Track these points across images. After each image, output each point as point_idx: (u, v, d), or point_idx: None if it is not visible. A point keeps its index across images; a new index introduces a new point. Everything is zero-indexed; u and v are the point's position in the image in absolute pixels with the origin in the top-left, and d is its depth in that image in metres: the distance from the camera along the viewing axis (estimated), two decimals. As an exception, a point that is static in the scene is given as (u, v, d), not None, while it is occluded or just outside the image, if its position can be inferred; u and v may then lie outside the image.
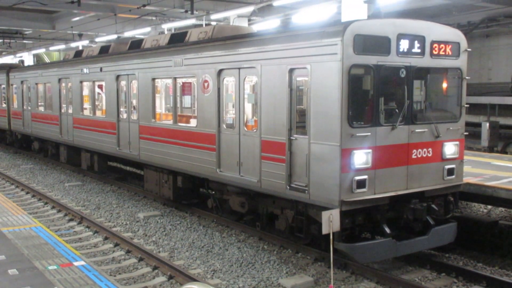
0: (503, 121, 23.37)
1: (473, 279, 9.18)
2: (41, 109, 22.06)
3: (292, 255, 10.50)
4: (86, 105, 18.07)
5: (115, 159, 18.76)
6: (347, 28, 8.40)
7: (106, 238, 11.72)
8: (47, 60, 51.32)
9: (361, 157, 8.66)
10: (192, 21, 25.65)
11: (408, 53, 9.16)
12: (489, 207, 13.16)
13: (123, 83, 15.34)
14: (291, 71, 9.44)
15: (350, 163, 8.56)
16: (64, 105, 19.58)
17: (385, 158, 8.98)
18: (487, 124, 22.03)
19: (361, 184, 8.67)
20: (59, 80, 19.68)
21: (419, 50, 9.30)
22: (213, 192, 12.37)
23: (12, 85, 25.83)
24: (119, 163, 21.10)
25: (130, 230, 12.49)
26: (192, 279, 8.81)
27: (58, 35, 36.32)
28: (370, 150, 8.77)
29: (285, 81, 9.52)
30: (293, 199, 9.66)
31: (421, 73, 9.56)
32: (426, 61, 9.45)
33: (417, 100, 9.63)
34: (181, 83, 13.28)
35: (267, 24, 25.58)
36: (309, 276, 9.36)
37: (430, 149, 9.60)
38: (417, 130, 9.39)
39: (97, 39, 34.88)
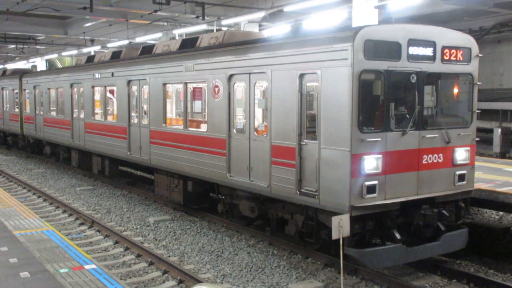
0: (515, 127, 23.19)
1: (485, 285, 9.11)
2: (53, 113, 22.23)
3: (302, 260, 10.49)
4: (98, 110, 18.20)
5: (126, 163, 18.87)
6: (357, 33, 8.40)
7: (116, 242, 11.78)
8: (59, 65, 51.75)
9: (371, 163, 8.64)
10: (203, 27, 25.80)
11: (419, 58, 9.13)
12: (501, 213, 13.05)
13: (134, 88, 15.44)
14: (301, 76, 9.46)
15: (360, 168, 8.54)
16: (76, 110, 19.72)
17: (395, 164, 8.95)
18: (499, 130, 21.86)
19: (371, 189, 8.65)
20: (71, 85, 19.84)
21: (430, 56, 9.27)
22: (223, 197, 12.39)
23: (24, 90, 26.06)
24: (130, 168, 21.21)
25: (141, 234, 12.54)
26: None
27: (70, 41, 36.69)
28: (380, 156, 8.75)
29: (295, 86, 9.53)
30: (303, 204, 9.65)
31: (432, 78, 9.52)
32: (437, 67, 9.42)
33: (427, 105, 9.58)
34: (192, 88, 13.34)
35: (278, 30, 25.62)
36: (319, 281, 9.34)
37: (441, 154, 9.56)
38: (427, 136, 9.36)
39: (108, 45, 35.17)
